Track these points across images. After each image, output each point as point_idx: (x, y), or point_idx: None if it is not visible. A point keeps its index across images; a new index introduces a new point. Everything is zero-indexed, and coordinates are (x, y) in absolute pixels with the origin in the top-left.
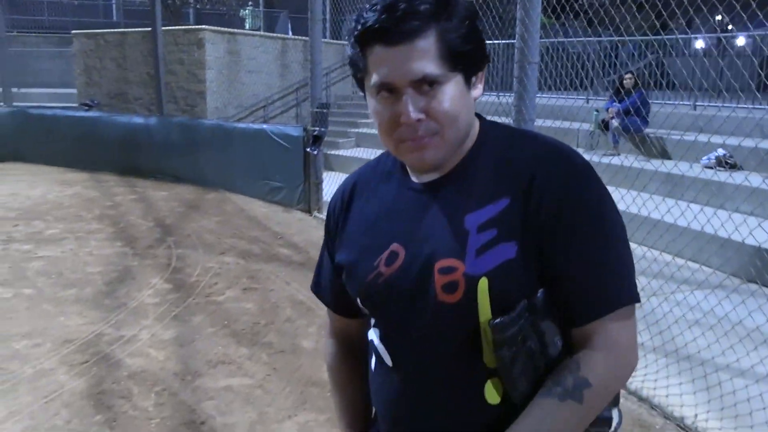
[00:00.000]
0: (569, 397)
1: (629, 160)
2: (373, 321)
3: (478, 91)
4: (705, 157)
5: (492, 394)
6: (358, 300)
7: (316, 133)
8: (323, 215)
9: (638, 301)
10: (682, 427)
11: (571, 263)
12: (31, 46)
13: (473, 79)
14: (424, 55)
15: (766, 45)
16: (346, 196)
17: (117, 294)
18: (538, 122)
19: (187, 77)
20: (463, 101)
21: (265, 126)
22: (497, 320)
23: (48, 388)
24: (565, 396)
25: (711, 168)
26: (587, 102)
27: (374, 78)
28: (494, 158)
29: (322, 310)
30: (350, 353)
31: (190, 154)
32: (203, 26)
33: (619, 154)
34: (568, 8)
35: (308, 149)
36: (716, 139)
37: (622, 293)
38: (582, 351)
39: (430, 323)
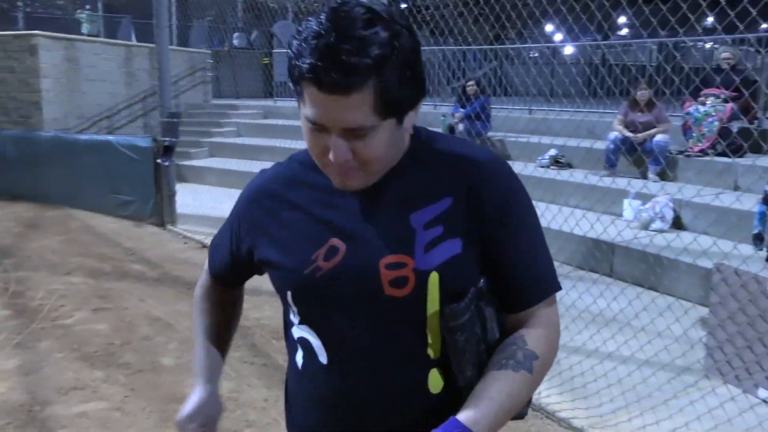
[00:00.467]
0: (522, 367)
1: None
2: (298, 318)
3: (412, 119)
4: (540, 157)
5: (435, 384)
6: (289, 294)
7: (166, 143)
8: (178, 228)
9: (560, 288)
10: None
11: (514, 256)
12: None
13: (410, 113)
14: (358, 108)
15: (591, 53)
16: (263, 195)
17: None
18: None
19: (19, 86)
20: (391, 141)
21: (111, 137)
22: (452, 306)
23: None
24: (518, 367)
25: (546, 167)
26: (435, 107)
27: (306, 111)
28: (432, 161)
29: (181, 325)
30: (225, 293)
31: (27, 170)
32: (36, 31)
33: None
34: (412, 19)
35: (159, 160)
36: (548, 140)
37: (552, 280)
38: (523, 330)
39: (374, 318)
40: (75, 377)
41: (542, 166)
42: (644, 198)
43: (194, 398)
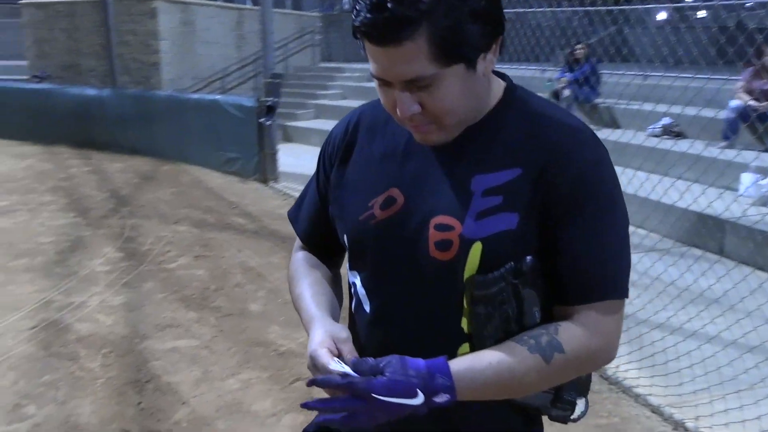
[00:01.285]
0: (539, 351)
1: None
2: (350, 263)
3: (490, 63)
4: (651, 126)
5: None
6: (345, 237)
7: (269, 103)
8: (279, 185)
9: (627, 296)
10: (603, 377)
11: (575, 244)
12: None
13: (482, 56)
14: (414, 58)
15: (725, 15)
16: (351, 127)
17: (68, 263)
18: None
19: (140, 48)
20: (463, 90)
21: (218, 97)
22: (480, 276)
23: None
24: (535, 350)
25: (657, 137)
26: (542, 72)
27: (370, 67)
28: (517, 126)
29: (272, 276)
30: (321, 264)
31: (145, 126)
32: None
33: None
34: None
35: (261, 120)
36: (663, 108)
37: (616, 285)
38: (564, 321)
39: (416, 277)
40: (171, 316)
41: (653, 135)
42: (765, 172)
43: (316, 330)
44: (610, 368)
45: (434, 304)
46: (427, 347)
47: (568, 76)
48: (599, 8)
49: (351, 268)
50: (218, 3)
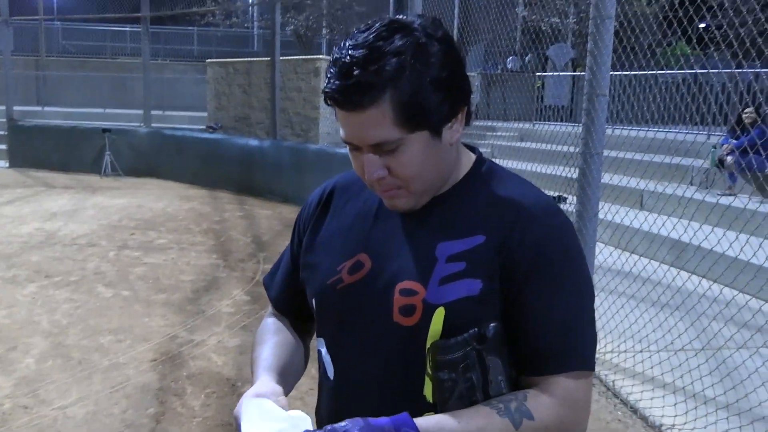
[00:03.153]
0: (508, 416)
1: (746, 201)
2: (319, 329)
3: (456, 133)
4: None
5: None
6: (313, 301)
7: None
8: None
9: (593, 369)
10: None
11: (536, 315)
12: (178, 73)
13: (447, 125)
14: (379, 123)
15: None
16: (325, 196)
17: (199, 301)
18: (647, 156)
19: (303, 104)
20: (429, 157)
21: None
22: (442, 341)
23: (116, 380)
24: (504, 414)
25: None
26: (708, 138)
27: (341, 132)
28: (481, 196)
29: None
30: (290, 328)
31: (297, 176)
32: (320, 56)
33: (736, 195)
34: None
35: None
36: None
37: (582, 355)
38: (533, 390)
39: (379, 343)
40: None
41: None
42: None
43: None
44: None
45: (397, 370)
46: (386, 415)
47: (733, 143)
48: None
49: (318, 334)
50: None
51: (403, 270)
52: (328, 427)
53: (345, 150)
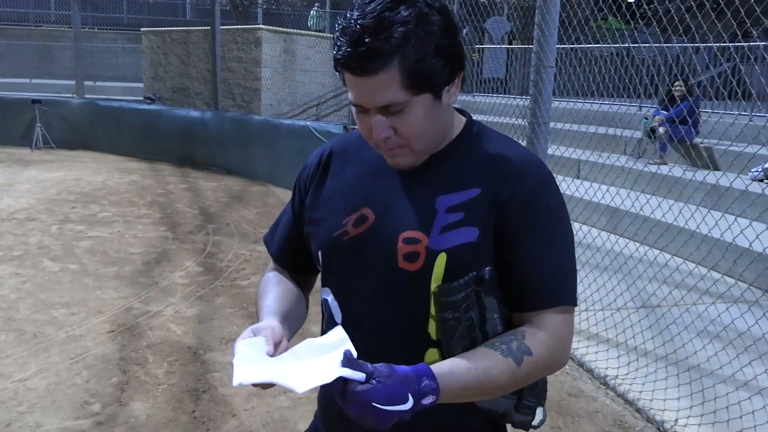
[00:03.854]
0: (510, 356)
1: (674, 167)
2: (324, 280)
3: (453, 96)
4: (753, 169)
5: (431, 362)
6: (320, 254)
7: (354, 129)
8: None
9: (576, 304)
10: (660, 430)
11: (529, 256)
12: (109, 42)
13: (446, 88)
14: (387, 86)
15: None
16: (325, 156)
17: (152, 273)
18: (583, 128)
19: (244, 74)
20: (431, 116)
21: (309, 123)
22: (445, 284)
23: (75, 352)
24: (508, 354)
25: (760, 181)
26: (639, 109)
27: (349, 96)
28: (474, 152)
29: None
30: (291, 280)
31: (241, 148)
32: (260, 25)
33: (665, 164)
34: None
35: None
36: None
37: (568, 292)
38: (527, 327)
39: (386, 287)
40: (237, 331)
41: (754, 179)
42: None
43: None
44: (668, 421)
45: (402, 311)
46: (395, 352)
47: (663, 114)
48: (711, 44)
49: (323, 284)
50: (317, 33)
51: (405, 221)
52: (361, 361)
53: (290, 122)
